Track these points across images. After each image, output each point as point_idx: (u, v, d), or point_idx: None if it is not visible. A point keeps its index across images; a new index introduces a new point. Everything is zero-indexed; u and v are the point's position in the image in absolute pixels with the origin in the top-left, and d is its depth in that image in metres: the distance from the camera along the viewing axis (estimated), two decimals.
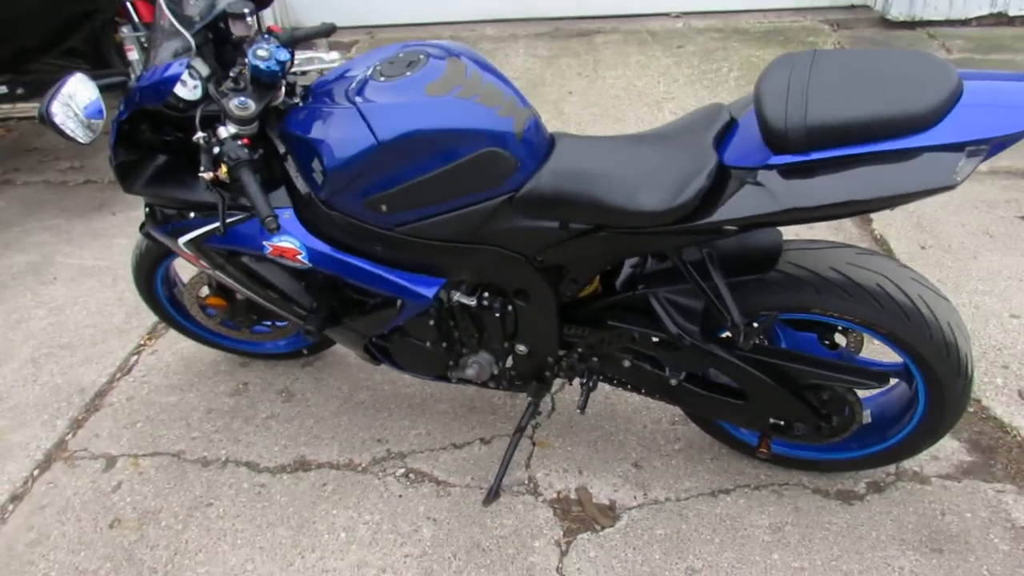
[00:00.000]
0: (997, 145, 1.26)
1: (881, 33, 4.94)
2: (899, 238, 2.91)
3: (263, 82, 1.63)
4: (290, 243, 1.70)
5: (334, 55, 3.49)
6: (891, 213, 3.05)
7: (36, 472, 2.14)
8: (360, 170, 1.56)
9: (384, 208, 1.60)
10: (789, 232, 1.68)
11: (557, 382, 2.29)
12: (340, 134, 1.56)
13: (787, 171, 1.35)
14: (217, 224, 1.63)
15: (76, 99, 1.53)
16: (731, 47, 4.79)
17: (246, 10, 1.68)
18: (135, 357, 2.57)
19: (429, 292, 1.70)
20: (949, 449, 2.01)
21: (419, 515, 1.92)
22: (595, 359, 1.82)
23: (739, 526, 1.85)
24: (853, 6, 5.25)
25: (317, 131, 1.61)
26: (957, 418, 1.70)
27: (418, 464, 2.08)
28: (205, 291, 2.18)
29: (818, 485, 1.93)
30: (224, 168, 1.58)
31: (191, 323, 2.36)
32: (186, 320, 2.36)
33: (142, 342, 2.64)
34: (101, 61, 3.77)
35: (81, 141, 1.53)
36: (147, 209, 1.89)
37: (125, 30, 3.44)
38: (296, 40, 1.88)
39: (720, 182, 1.43)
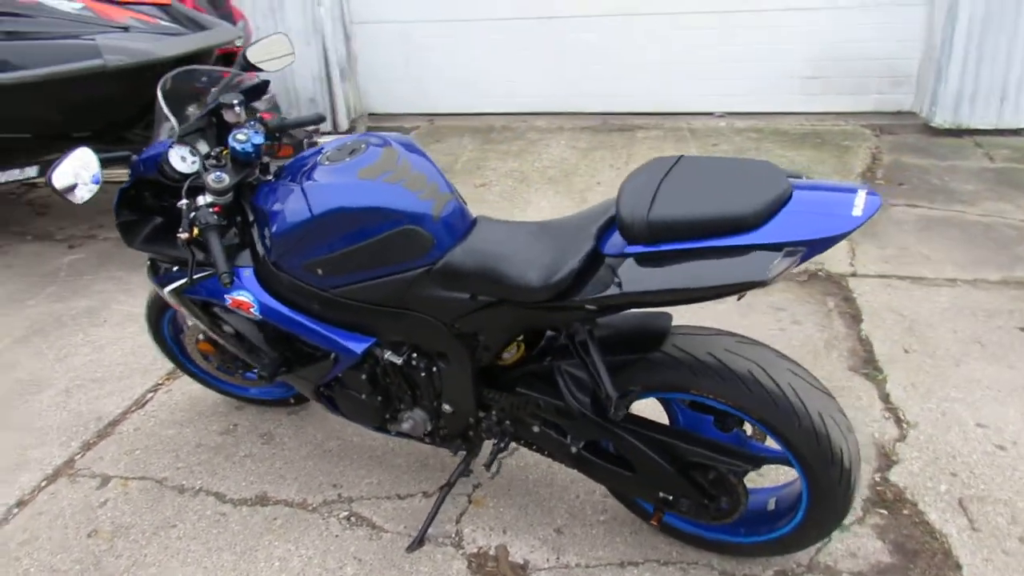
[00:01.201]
0: (814, 247, 1.39)
1: (924, 140, 4.97)
2: (884, 340, 2.94)
3: (239, 161, 1.95)
4: (246, 297, 1.97)
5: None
6: (882, 316, 3.09)
7: (43, 483, 2.45)
8: (299, 238, 1.83)
9: (320, 272, 1.86)
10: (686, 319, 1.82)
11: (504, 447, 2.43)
12: (286, 207, 1.84)
13: (640, 259, 1.52)
14: (185, 279, 1.93)
15: (85, 168, 1.87)
16: (764, 147, 4.93)
17: (235, 102, 2.01)
18: (151, 394, 2.89)
19: (358, 348, 1.93)
20: (871, 548, 2.03)
21: (348, 554, 2.10)
22: (508, 423, 1.98)
23: None
24: (899, 112, 5.31)
25: (271, 203, 1.89)
26: (840, 512, 1.75)
27: (362, 509, 2.26)
28: (200, 337, 2.48)
29: (726, 568, 1.99)
30: (196, 230, 1.88)
31: (193, 366, 2.66)
32: (189, 363, 2.66)
33: (160, 381, 2.96)
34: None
35: (77, 202, 1.86)
36: (148, 262, 2.22)
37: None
38: (285, 127, 2.21)
39: (591, 267, 1.60)
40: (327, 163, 1.87)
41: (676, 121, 5.61)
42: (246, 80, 2.17)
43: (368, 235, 1.78)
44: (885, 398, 2.61)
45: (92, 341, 3.28)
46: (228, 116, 2.04)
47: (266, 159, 2.06)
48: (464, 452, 2.15)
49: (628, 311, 1.81)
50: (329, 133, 3.98)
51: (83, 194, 1.86)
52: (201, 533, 2.21)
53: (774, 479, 2.21)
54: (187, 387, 2.89)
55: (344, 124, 6.12)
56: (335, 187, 1.81)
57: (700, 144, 5.11)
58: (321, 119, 2.36)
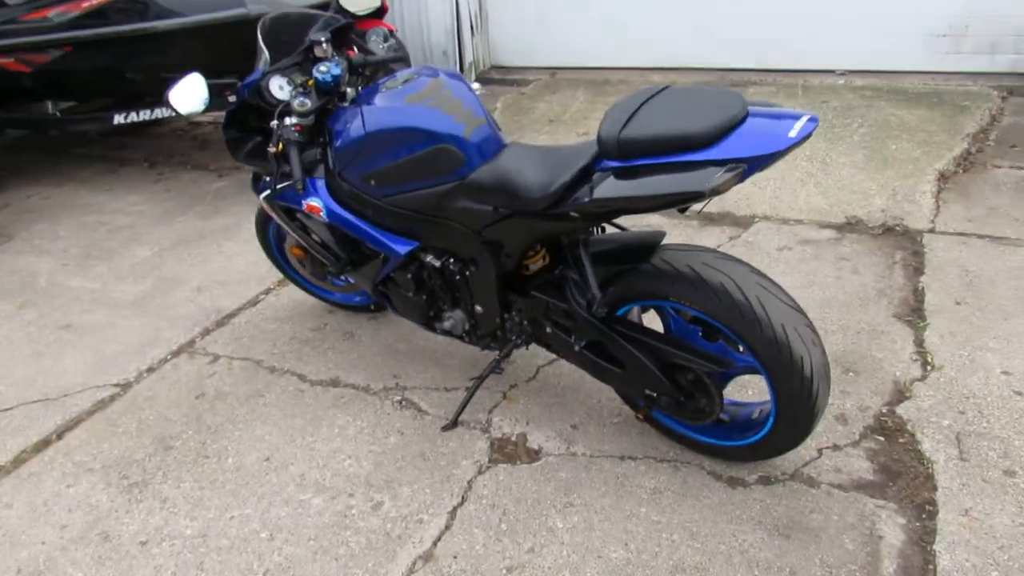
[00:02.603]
0: (753, 164, 1.58)
1: None
2: (939, 292, 2.96)
3: (320, 88, 2.32)
4: (316, 203, 2.37)
5: (476, 85, 4.19)
6: (945, 271, 3.09)
7: (169, 357, 3.01)
8: (356, 152, 2.19)
9: (372, 182, 2.22)
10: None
11: (548, 356, 2.72)
12: (349, 126, 2.21)
13: (614, 173, 1.75)
14: (283, 184, 2.34)
15: (196, 89, 2.32)
16: (875, 105, 4.82)
17: (322, 39, 2.38)
18: (263, 296, 3.41)
19: (403, 249, 2.28)
20: (857, 467, 2.18)
21: (394, 428, 2.49)
22: (527, 323, 2.27)
23: (628, 484, 2.19)
24: None
25: (340, 123, 2.27)
26: (805, 421, 1.92)
27: (413, 396, 2.64)
28: (294, 243, 2.93)
29: (714, 468, 2.21)
30: (280, 145, 2.29)
31: (293, 272, 3.13)
32: (290, 269, 3.13)
33: (271, 287, 3.47)
34: None
35: (184, 114, 2.32)
36: (252, 175, 2.67)
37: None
38: (368, 63, 2.57)
39: (580, 180, 1.85)
40: (385, 90, 2.22)
41: (794, 78, 5.55)
42: (336, 22, 2.54)
43: (411, 151, 2.11)
44: (920, 343, 2.67)
45: (224, 252, 3.86)
46: (317, 51, 2.41)
47: (348, 88, 2.41)
48: (497, 351, 2.46)
49: (626, 230, 2.06)
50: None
51: (192, 109, 2.31)
52: (282, 403, 2.67)
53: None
54: (293, 293, 3.38)
55: (471, 76, 6.49)
56: (387, 109, 2.15)
57: (808, 101, 5.07)
58: (403, 59, 2.69)
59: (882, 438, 2.27)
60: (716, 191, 1.59)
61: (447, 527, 2.09)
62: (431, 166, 2.11)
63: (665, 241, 2.01)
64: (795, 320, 1.85)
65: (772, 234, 3.57)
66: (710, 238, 3.57)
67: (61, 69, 4.46)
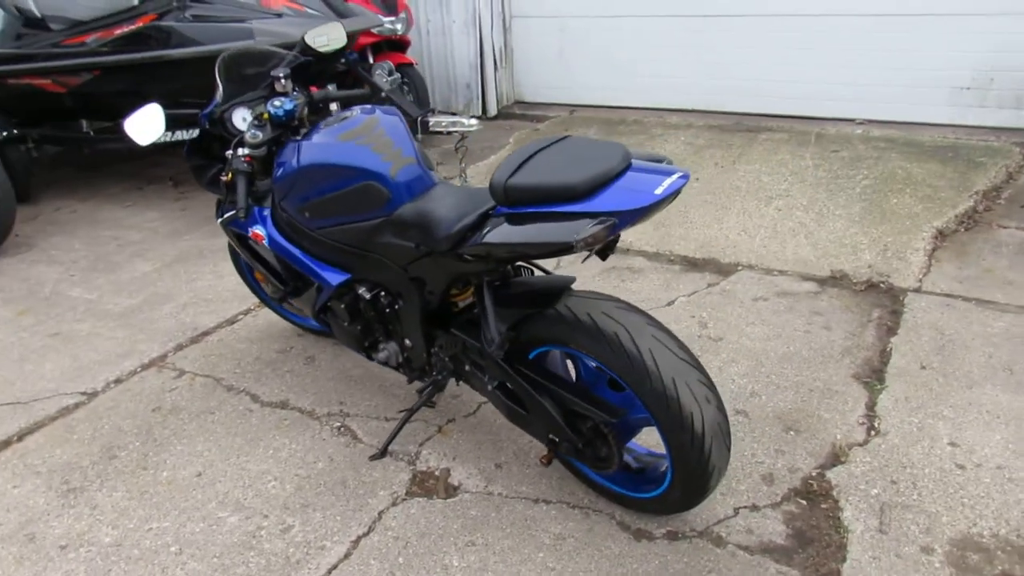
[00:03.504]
0: (622, 218, 1.59)
1: None
2: (907, 354, 2.87)
3: (274, 122, 2.42)
4: (260, 231, 2.46)
5: (473, 122, 4.28)
6: (919, 333, 3.00)
7: (138, 369, 3.13)
8: (292, 184, 2.28)
9: (307, 214, 2.29)
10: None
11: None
12: (289, 159, 2.30)
13: (509, 219, 1.78)
14: (232, 212, 2.44)
15: (153, 121, 2.45)
16: (885, 157, 4.72)
17: (280, 74, 2.48)
18: (242, 316, 3.52)
19: (334, 280, 2.34)
20: (770, 529, 2.12)
21: (325, 453, 2.53)
22: (448, 360, 2.30)
23: (534, 527, 2.18)
24: None
25: (283, 156, 2.36)
26: (699, 480, 1.89)
27: (352, 423, 2.69)
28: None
29: (624, 519, 2.18)
30: (230, 174, 2.40)
31: (264, 294, 3.23)
32: (262, 292, 3.23)
33: (252, 307, 3.58)
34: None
35: (142, 145, 2.44)
36: (216, 200, 2.78)
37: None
38: (330, 98, 2.66)
39: (480, 223, 1.88)
40: (323, 127, 2.30)
41: (809, 126, 5.48)
42: (296, 59, 2.65)
43: (340, 186, 2.18)
44: (871, 406, 2.60)
45: (217, 271, 4.00)
46: (276, 86, 2.52)
47: (306, 123, 2.49)
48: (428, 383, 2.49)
49: (550, 273, 2.08)
50: (451, 114, 4.44)
51: (148, 140, 2.43)
52: (229, 421, 2.75)
53: None
54: (270, 314, 3.48)
55: (493, 110, 6.61)
56: (319, 145, 2.23)
57: (820, 149, 4.99)
58: (366, 96, 2.78)
59: (804, 502, 2.21)
60: (585, 244, 1.60)
61: (346, 555, 2.12)
62: (358, 201, 2.17)
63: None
64: (687, 375, 1.84)
65: (752, 284, 3.52)
66: (688, 283, 3.55)
67: (91, 91, 4.73)
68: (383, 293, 2.33)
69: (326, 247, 2.32)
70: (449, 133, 4.39)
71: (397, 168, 2.16)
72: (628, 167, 1.66)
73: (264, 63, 2.64)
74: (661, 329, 1.89)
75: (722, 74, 5.84)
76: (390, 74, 4.66)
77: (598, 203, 1.62)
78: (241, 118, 2.51)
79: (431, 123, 4.42)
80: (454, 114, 4.35)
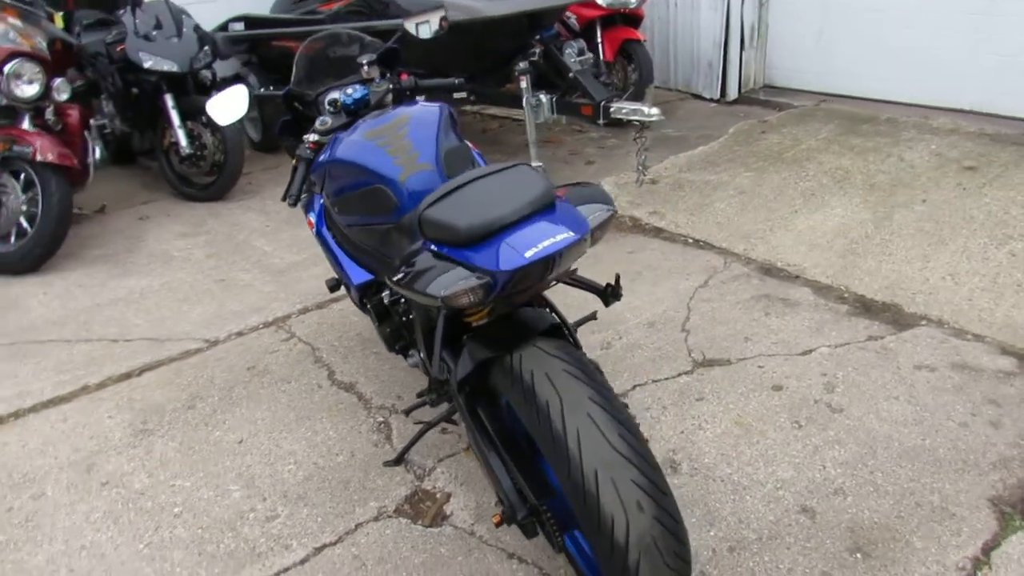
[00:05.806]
0: (495, 278, 1.30)
1: None
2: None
3: (345, 109, 2.41)
4: (312, 218, 2.47)
5: (654, 111, 3.90)
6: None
7: (260, 326, 3.38)
8: (325, 175, 2.24)
9: (336, 209, 2.25)
10: None
11: None
12: (328, 150, 2.26)
13: (429, 254, 1.57)
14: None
15: (237, 102, 2.55)
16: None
17: (364, 60, 2.46)
18: None
19: (357, 280, 2.28)
20: None
21: (351, 447, 2.52)
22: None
23: (491, 572, 1.97)
24: None
25: (327, 146, 2.32)
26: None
27: (393, 421, 2.64)
28: None
29: None
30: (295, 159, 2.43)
31: None
32: None
33: None
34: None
35: (222, 125, 2.55)
36: None
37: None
38: (419, 88, 2.59)
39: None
40: (362, 121, 2.22)
41: None
42: (382, 46, 2.58)
43: (358, 185, 2.10)
44: (991, 546, 1.95)
45: None
46: (362, 73, 2.50)
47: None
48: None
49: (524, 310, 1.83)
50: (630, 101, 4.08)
51: (230, 120, 2.54)
52: (296, 394, 2.85)
53: None
54: None
55: (733, 93, 6.01)
56: (348, 141, 2.16)
57: None
58: (453, 86, 2.64)
59: None
60: (448, 303, 1.35)
61: (303, 561, 2.09)
62: (372, 204, 2.08)
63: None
64: (618, 470, 1.49)
65: (926, 346, 2.80)
66: (844, 332, 2.93)
67: None
68: (402, 300, 2.23)
69: (353, 245, 2.26)
70: (628, 121, 4.05)
71: (408, 174, 2.01)
72: (534, 213, 1.35)
73: (350, 47, 2.62)
74: (608, 408, 1.55)
75: (1011, 69, 4.68)
76: (580, 54, 4.40)
77: (481, 256, 1.35)
78: (329, 101, 2.52)
79: (612, 109, 4.11)
80: (639, 102, 4.00)
